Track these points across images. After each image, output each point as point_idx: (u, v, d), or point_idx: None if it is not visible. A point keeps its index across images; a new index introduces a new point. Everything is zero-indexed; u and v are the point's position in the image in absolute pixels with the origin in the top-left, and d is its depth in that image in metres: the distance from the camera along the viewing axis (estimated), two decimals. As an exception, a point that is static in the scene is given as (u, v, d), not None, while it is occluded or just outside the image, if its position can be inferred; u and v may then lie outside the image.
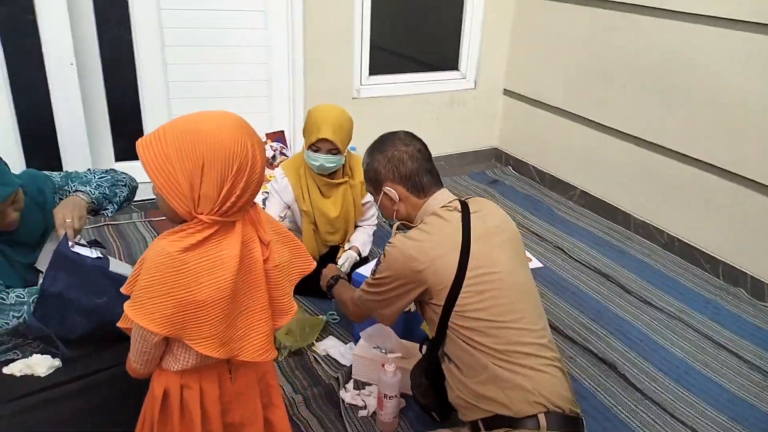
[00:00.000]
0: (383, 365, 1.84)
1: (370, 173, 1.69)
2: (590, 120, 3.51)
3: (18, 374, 1.59)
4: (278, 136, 3.44)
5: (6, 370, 1.60)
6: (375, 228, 2.63)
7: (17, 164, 2.85)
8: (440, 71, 4.00)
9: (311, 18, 3.32)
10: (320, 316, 2.36)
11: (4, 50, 2.78)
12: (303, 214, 2.44)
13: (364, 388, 2.04)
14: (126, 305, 1.13)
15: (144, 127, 3.26)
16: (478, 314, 1.51)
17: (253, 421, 1.37)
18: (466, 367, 1.54)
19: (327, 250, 2.56)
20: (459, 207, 1.62)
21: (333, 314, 2.41)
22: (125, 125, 3.25)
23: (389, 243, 1.60)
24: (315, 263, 1.34)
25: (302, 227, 2.48)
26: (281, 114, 3.51)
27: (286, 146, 3.43)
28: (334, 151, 2.27)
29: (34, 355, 1.65)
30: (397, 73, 3.82)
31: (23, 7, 2.78)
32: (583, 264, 2.96)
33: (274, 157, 3.31)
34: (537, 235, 3.23)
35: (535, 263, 2.95)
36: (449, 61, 4.03)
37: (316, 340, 2.26)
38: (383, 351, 2.05)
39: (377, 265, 1.70)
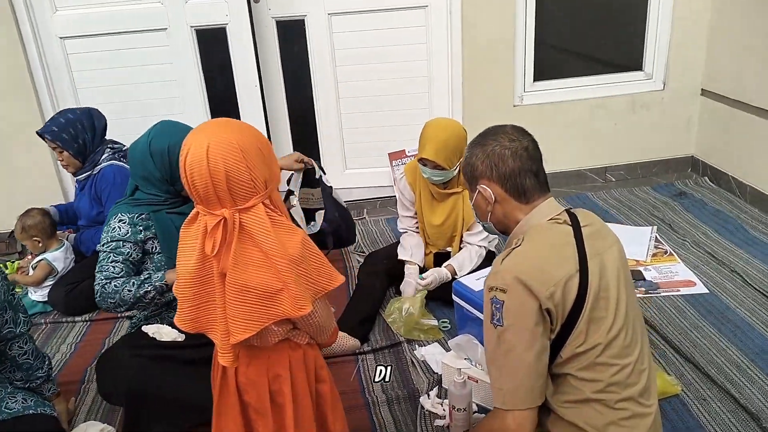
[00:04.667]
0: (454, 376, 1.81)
1: (467, 168, 1.54)
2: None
3: (151, 334, 1.98)
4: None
5: (144, 328, 2.00)
6: (485, 250, 2.48)
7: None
8: (619, 72, 3.65)
9: (470, 23, 3.33)
10: (433, 323, 2.39)
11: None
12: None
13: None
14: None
15: (319, 137, 3.61)
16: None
17: None
18: None
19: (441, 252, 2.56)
20: (569, 220, 1.46)
21: (446, 322, 2.41)
22: (304, 135, 3.65)
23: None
24: None
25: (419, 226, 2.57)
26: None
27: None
28: (439, 167, 2.30)
29: (166, 326, 2.03)
30: (566, 78, 3.60)
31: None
32: (763, 294, 2.46)
33: None
34: (713, 256, 2.77)
35: (699, 288, 2.55)
36: (631, 61, 3.67)
37: (420, 345, 2.29)
38: (472, 363, 2.00)
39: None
